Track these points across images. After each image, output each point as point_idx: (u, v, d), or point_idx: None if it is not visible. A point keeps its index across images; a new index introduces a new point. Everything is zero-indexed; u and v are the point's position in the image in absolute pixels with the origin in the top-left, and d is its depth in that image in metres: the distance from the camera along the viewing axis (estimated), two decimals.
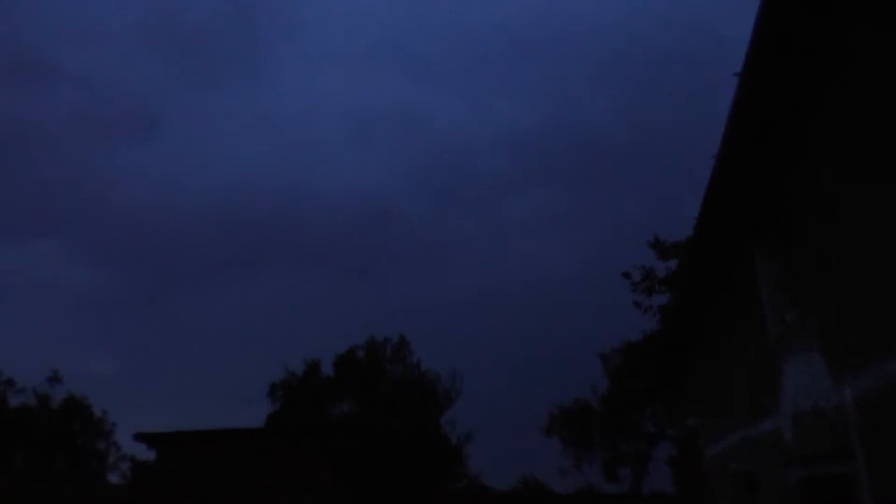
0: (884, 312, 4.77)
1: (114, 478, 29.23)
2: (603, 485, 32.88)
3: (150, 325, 63.78)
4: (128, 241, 71.38)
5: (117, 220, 69.82)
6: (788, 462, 7.33)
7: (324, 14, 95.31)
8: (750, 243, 8.21)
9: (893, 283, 4.55)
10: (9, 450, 26.81)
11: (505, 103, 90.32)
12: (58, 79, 76.70)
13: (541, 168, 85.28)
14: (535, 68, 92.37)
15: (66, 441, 29.51)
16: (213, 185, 79.25)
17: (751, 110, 6.22)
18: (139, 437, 23.16)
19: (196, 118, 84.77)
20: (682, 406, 16.35)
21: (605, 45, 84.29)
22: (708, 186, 7.78)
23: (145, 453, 24.19)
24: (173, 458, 20.74)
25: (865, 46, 4.84)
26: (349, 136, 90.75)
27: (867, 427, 5.19)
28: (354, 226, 77.16)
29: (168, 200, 73.73)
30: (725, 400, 10.78)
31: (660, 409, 26.05)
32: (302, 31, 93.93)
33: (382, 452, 20.87)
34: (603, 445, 33.84)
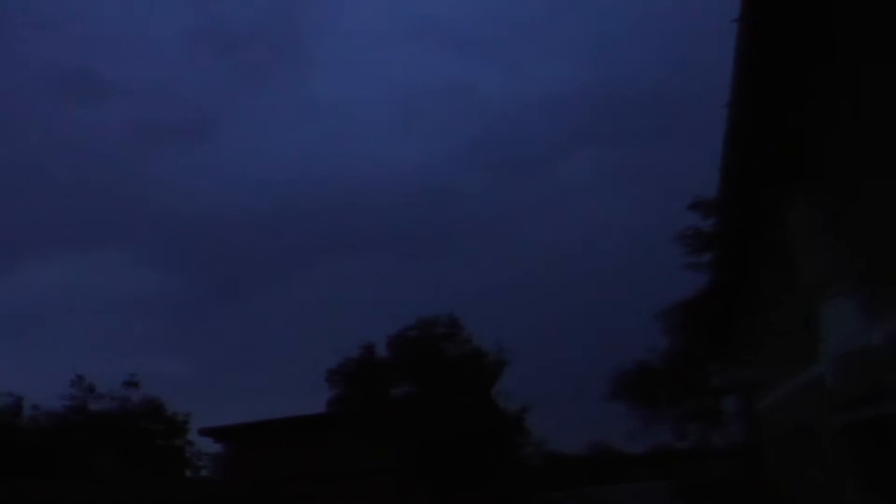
0: None
1: (190, 473, 30.44)
2: (673, 443, 32.40)
3: (213, 324, 65.83)
4: (188, 244, 73.52)
5: (177, 223, 71.91)
6: (833, 407, 7.07)
7: None
8: (778, 190, 7.89)
9: None
10: (93, 454, 28.13)
11: (548, 65, 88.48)
12: (110, 91, 78.59)
13: (589, 128, 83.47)
14: (575, 27, 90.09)
15: (146, 442, 30.83)
16: (267, 181, 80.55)
17: (758, 49, 5.93)
18: (204, 431, 24.12)
19: (248, 115, 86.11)
20: (736, 359, 15.97)
21: None
22: (727, 134, 7.48)
23: (212, 447, 25.19)
24: (238, 450, 21.52)
25: None
26: (397, 116, 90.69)
27: None
28: (410, 208, 77.36)
29: (224, 201, 75.51)
30: (772, 350, 10.45)
31: (720, 363, 25.52)
32: (342, 12, 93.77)
33: (443, 429, 20.97)
34: (669, 403, 33.33)
